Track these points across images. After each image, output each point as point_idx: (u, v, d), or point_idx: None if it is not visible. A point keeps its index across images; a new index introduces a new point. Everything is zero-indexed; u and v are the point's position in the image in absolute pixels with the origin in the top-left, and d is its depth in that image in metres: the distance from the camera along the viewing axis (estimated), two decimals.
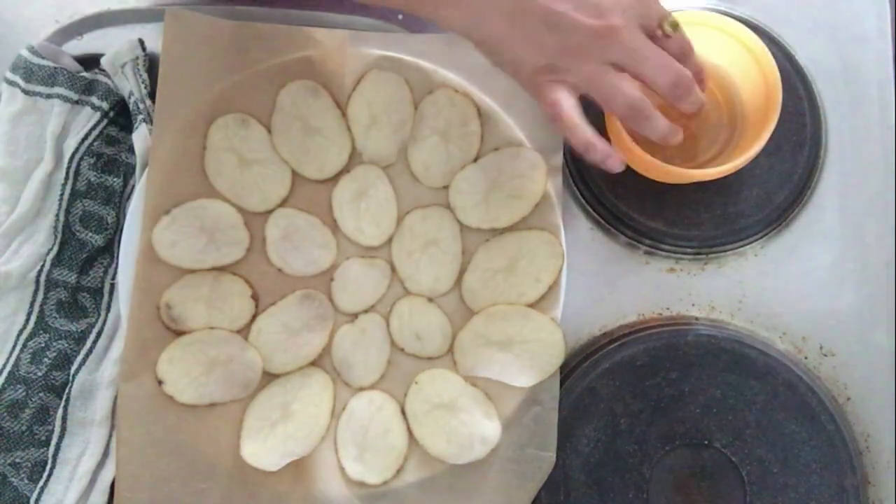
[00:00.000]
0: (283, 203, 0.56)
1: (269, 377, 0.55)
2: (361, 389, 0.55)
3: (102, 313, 0.56)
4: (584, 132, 0.47)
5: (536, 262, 0.55)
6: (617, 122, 0.52)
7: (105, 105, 0.57)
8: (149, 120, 0.56)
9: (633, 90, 0.46)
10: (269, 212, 0.56)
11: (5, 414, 0.53)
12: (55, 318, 0.55)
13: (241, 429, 0.54)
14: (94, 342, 0.55)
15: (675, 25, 0.47)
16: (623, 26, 0.45)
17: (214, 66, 0.56)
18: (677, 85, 0.46)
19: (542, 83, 0.47)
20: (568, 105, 0.46)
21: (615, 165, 0.48)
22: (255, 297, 0.55)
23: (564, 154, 0.57)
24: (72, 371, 0.54)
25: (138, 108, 0.56)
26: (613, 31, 0.45)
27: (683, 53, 0.48)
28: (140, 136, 0.56)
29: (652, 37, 0.47)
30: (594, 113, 0.57)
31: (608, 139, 0.57)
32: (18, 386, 0.54)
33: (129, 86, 0.57)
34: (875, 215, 0.58)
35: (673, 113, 0.50)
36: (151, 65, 0.58)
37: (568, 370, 0.56)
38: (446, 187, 0.56)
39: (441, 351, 0.55)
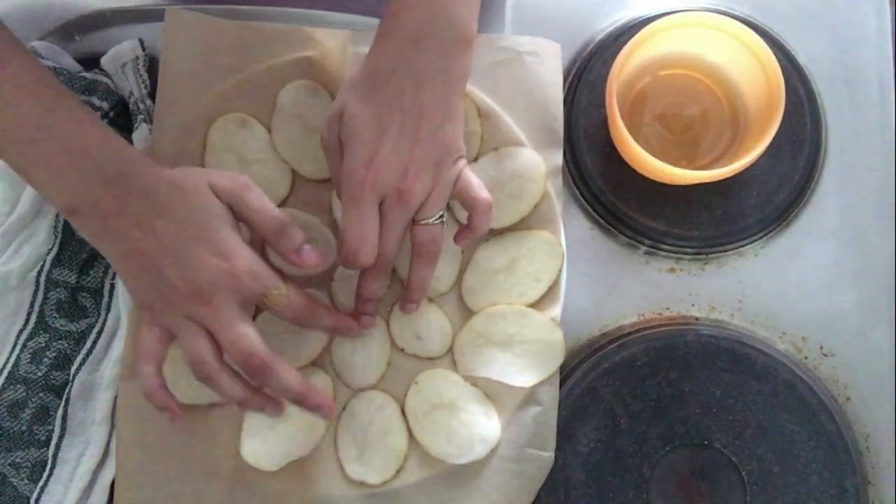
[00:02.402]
0: (283, 203, 0.56)
1: None
2: (361, 390, 0.55)
3: (102, 313, 0.56)
4: (149, 383, 0.48)
5: (536, 262, 0.55)
6: (619, 123, 0.52)
7: (105, 105, 0.57)
8: (149, 120, 0.56)
9: (202, 352, 0.47)
10: None
11: (5, 414, 0.53)
12: (55, 318, 0.55)
13: (241, 429, 0.54)
14: (94, 342, 0.55)
15: (277, 300, 0.48)
16: (211, 299, 0.46)
17: (214, 66, 0.56)
18: (245, 363, 0.47)
19: (142, 320, 0.49)
20: (148, 350, 0.48)
21: (172, 418, 0.49)
22: None
23: (564, 154, 0.57)
24: (72, 371, 0.54)
25: (138, 108, 0.56)
26: (200, 300, 0.46)
27: (302, 318, 0.50)
28: (140, 136, 0.56)
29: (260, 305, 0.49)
30: (595, 116, 0.58)
31: (611, 141, 0.57)
32: (18, 386, 0.54)
33: (129, 86, 0.57)
34: (875, 215, 0.58)
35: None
36: (151, 65, 0.58)
37: (568, 370, 0.56)
38: None
39: (441, 351, 0.55)
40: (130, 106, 0.57)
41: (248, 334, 0.47)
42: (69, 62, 0.58)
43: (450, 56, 0.49)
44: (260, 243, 0.52)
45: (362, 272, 0.52)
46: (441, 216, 0.50)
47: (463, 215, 0.56)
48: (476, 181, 0.51)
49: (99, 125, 0.48)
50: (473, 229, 0.52)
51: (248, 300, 0.48)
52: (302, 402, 0.48)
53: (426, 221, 0.50)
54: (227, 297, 0.46)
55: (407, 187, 0.48)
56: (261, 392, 0.49)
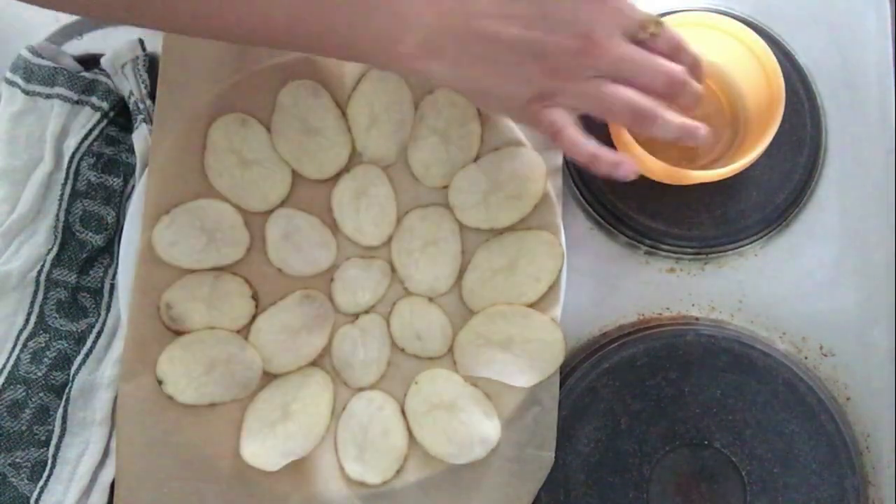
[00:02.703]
0: (283, 203, 0.56)
1: (269, 377, 0.55)
2: (361, 390, 0.55)
3: (102, 313, 0.56)
4: (587, 147, 0.46)
5: (536, 262, 0.55)
6: (620, 126, 0.52)
7: (105, 105, 0.57)
8: (149, 120, 0.56)
9: (631, 95, 0.45)
10: (269, 212, 0.56)
11: (5, 414, 0.53)
12: (55, 318, 0.55)
13: (241, 429, 0.54)
14: (94, 342, 0.55)
15: (658, 24, 0.45)
16: (603, 38, 0.44)
17: (214, 66, 0.56)
18: (671, 84, 0.45)
19: (537, 111, 0.46)
20: (565, 124, 0.46)
21: (626, 173, 0.46)
22: (255, 297, 0.55)
23: (564, 154, 0.57)
24: (72, 371, 0.54)
25: (138, 108, 0.56)
26: (595, 46, 0.44)
27: (674, 49, 0.47)
28: (140, 136, 0.56)
29: (638, 41, 0.46)
30: (595, 118, 0.58)
31: (611, 141, 0.57)
32: (18, 386, 0.54)
33: (129, 86, 0.57)
34: (875, 215, 0.58)
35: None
36: (151, 65, 0.58)
37: (568, 370, 0.56)
38: (446, 187, 0.56)
39: (441, 351, 0.55)
40: (130, 106, 0.57)
41: (655, 59, 0.44)
42: (69, 62, 0.58)
43: None
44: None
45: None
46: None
47: (463, 215, 0.56)
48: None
49: None
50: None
51: (629, 34, 0.45)
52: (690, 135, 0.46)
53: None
54: (613, 34, 0.44)
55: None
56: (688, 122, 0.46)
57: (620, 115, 0.45)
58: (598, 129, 0.58)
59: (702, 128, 0.47)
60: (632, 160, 0.46)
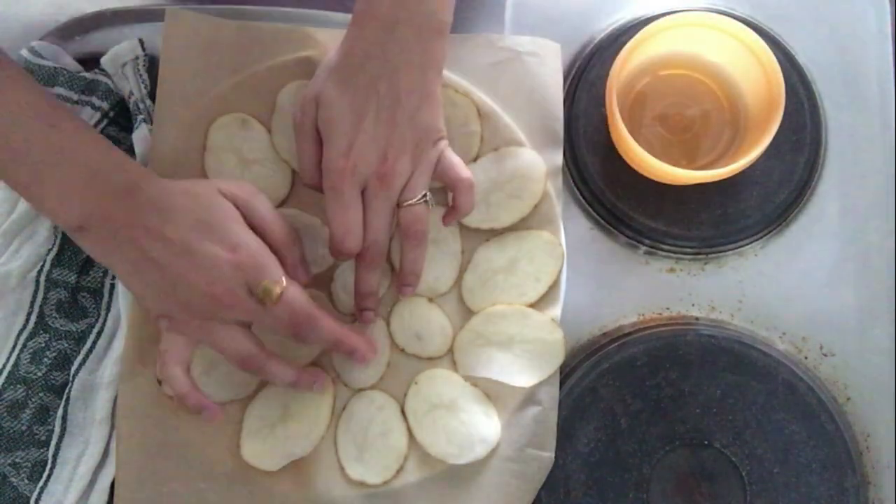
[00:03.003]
0: (283, 203, 0.56)
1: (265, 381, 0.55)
2: (361, 390, 0.55)
3: (102, 313, 0.56)
4: (181, 385, 0.50)
5: (536, 262, 0.55)
6: (619, 123, 0.52)
7: (105, 105, 0.57)
8: (149, 120, 0.56)
9: (244, 346, 0.48)
10: None
11: (5, 414, 0.53)
12: (55, 318, 0.55)
13: (241, 429, 0.54)
14: (94, 342, 0.55)
15: (267, 293, 0.47)
16: (225, 293, 0.46)
17: (214, 66, 0.56)
18: (296, 330, 0.49)
19: (162, 328, 0.49)
20: (174, 354, 0.49)
21: (211, 417, 0.50)
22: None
23: (564, 154, 0.57)
24: (72, 371, 0.54)
25: (138, 108, 0.56)
26: (219, 298, 0.47)
27: (297, 323, 0.48)
28: (140, 136, 0.56)
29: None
30: (595, 116, 0.58)
31: (611, 141, 0.57)
32: (18, 386, 0.54)
33: (129, 86, 0.57)
34: (875, 215, 0.58)
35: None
36: (151, 65, 0.58)
37: (568, 370, 0.56)
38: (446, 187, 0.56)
39: (441, 351, 0.55)
40: (130, 106, 0.57)
41: (286, 302, 0.47)
42: (69, 62, 0.58)
43: (424, 42, 0.49)
44: None
45: (357, 267, 0.52)
46: (424, 196, 0.51)
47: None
48: (457, 160, 0.52)
49: (105, 142, 0.49)
50: (458, 209, 0.52)
51: (253, 291, 0.47)
52: (341, 346, 0.50)
53: (409, 203, 0.50)
54: (236, 290, 0.47)
55: (387, 171, 0.49)
56: (306, 371, 0.51)
57: (231, 358, 0.49)
58: (597, 127, 0.58)
59: (321, 377, 0.53)
60: (216, 411, 0.51)
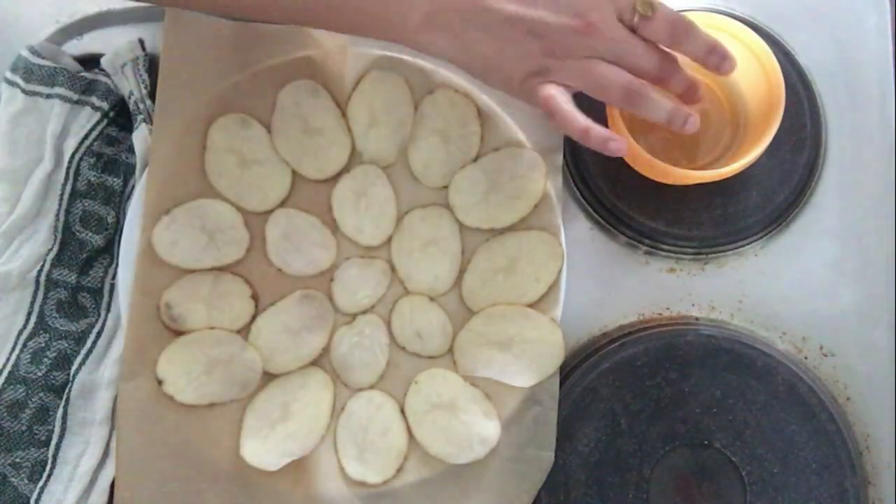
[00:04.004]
0: (283, 203, 0.56)
1: (268, 377, 0.55)
2: (361, 390, 0.55)
3: (102, 313, 0.56)
4: (580, 119, 0.47)
5: (536, 262, 0.55)
6: (620, 123, 0.52)
7: (105, 105, 0.57)
8: (149, 120, 0.56)
9: (624, 75, 0.47)
10: (269, 212, 0.56)
11: (5, 414, 0.53)
12: (55, 318, 0.55)
13: (241, 429, 0.54)
14: (94, 342, 0.55)
15: (649, 6, 0.47)
16: (599, 21, 0.46)
17: (214, 66, 0.56)
18: (661, 67, 0.48)
19: (534, 87, 0.48)
20: (561, 98, 0.47)
21: (617, 148, 0.47)
22: (255, 297, 0.55)
23: (564, 154, 0.57)
24: (72, 371, 0.54)
25: (138, 108, 0.56)
26: (591, 27, 0.46)
27: (675, 30, 0.47)
28: (140, 136, 0.56)
29: (633, 26, 0.47)
30: (595, 118, 0.58)
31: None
32: (18, 386, 0.54)
33: (129, 86, 0.57)
34: (875, 215, 0.58)
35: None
36: (151, 65, 0.58)
37: (568, 370, 0.56)
38: (446, 187, 0.56)
39: (442, 350, 0.55)
40: (130, 106, 0.57)
41: (645, 44, 0.47)
42: (69, 62, 0.58)
43: None
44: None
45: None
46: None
47: (463, 215, 0.56)
48: None
49: None
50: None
51: (625, 18, 0.46)
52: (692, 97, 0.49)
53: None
54: (609, 17, 0.46)
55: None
56: (681, 106, 0.48)
57: (613, 94, 0.47)
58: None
59: (693, 115, 0.48)
60: (622, 138, 0.47)
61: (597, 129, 0.47)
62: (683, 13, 0.50)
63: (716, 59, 0.48)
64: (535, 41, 0.46)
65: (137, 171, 0.56)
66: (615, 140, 0.47)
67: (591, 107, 0.58)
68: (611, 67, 0.47)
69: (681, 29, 0.48)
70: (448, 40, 0.47)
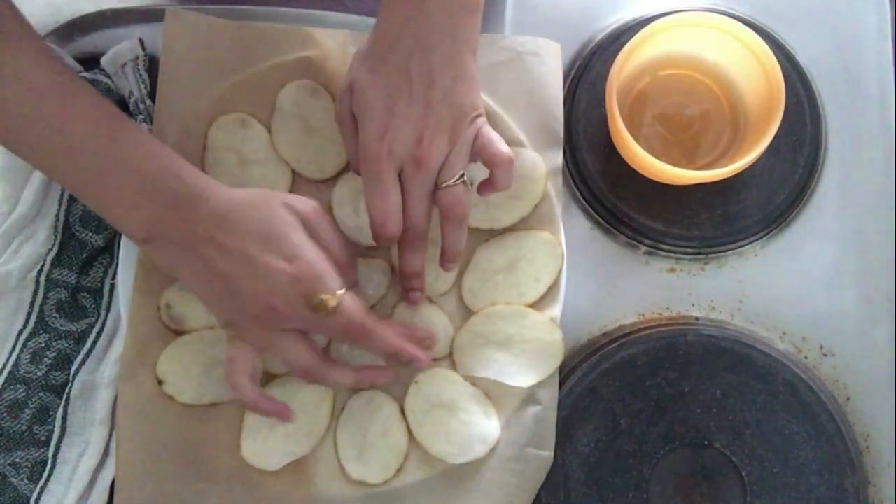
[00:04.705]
0: None
1: (268, 377, 0.55)
2: (361, 390, 0.55)
3: (102, 313, 0.56)
4: (249, 392, 0.50)
5: (536, 262, 0.55)
6: (619, 123, 0.52)
7: None
8: (149, 120, 0.56)
9: (304, 357, 0.49)
10: None
11: (5, 414, 0.53)
12: (55, 318, 0.55)
13: (241, 429, 0.54)
14: (94, 342, 0.55)
15: (322, 307, 0.47)
16: (284, 305, 0.47)
17: (214, 66, 0.56)
18: (352, 340, 0.51)
19: (229, 336, 0.50)
20: (241, 363, 0.49)
21: (283, 419, 0.51)
22: None
23: (564, 154, 0.57)
24: (72, 371, 0.54)
25: (138, 108, 0.56)
26: (275, 311, 0.47)
27: (352, 334, 0.49)
28: None
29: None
30: (595, 116, 0.58)
31: (611, 141, 0.57)
32: (18, 386, 0.54)
33: (129, 86, 0.57)
34: (875, 215, 0.58)
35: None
36: (151, 65, 0.58)
37: (568, 370, 0.56)
38: None
39: (444, 352, 0.55)
40: (130, 106, 0.57)
41: (342, 314, 0.48)
42: (69, 62, 0.58)
43: (455, 19, 0.48)
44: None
45: (400, 250, 0.52)
46: (462, 176, 0.49)
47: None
48: (496, 136, 0.50)
49: (167, 152, 0.48)
50: (495, 184, 0.51)
51: (308, 302, 0.48)
52: (399, 357, 0.51)
53: (447, 184, 0.49)
54: (294, 302, 0.47)
55: (422, 153, 0.48)
56: (366, 369, 0.52)
57: (295, 370, 0.50)
58: (597, 127, 0.58)
59: (385, 371, 0.53)
60: (288, 412, 0.51)
61: (262, 404, 0.50)
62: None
63: (394, 360, 0.51)
64: (233, 300, 0.48)
65: None
66: (281, 414, 0.51)
67: (593, 106, 0.58)
68: (295, 344, 0.49)
69: (355, 332, 0.49)
70: (164, 262, 0.49)
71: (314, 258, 0.47)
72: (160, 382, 0.53)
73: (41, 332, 0.55)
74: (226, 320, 0.50)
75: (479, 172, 0.53)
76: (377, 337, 0.50)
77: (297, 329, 0.49)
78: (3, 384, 0.54)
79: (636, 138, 0.52)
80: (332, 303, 0.47)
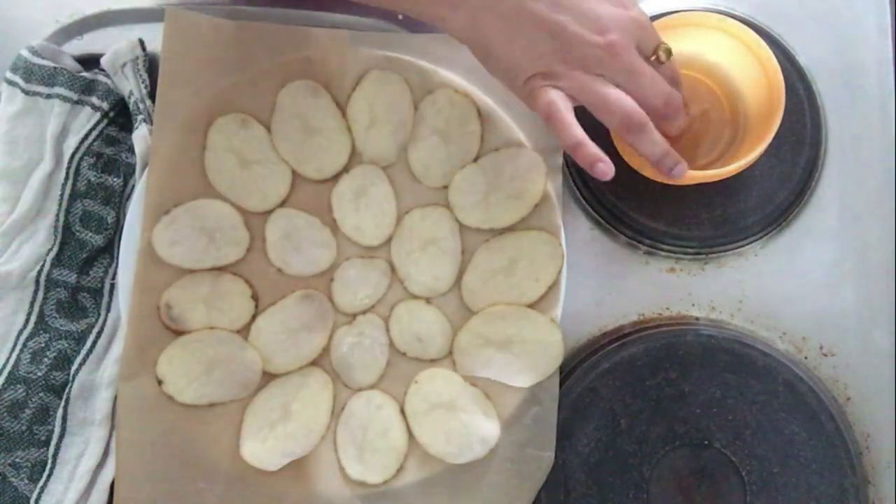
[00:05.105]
0: (283, 203, 0.56)
1: (268, 377, 0.55)
2: (361, 390, 0.55)
3: (102, 313, 0.56)
4: (576, 132, 0.47)
5: (536, 262, 0.55)
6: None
7: (105, 105, 0.57)
8: (149, 120, 0.56)
9: (628, 102, 0.47)
10: (269, 212, 0.56)
11: (5, 414, 0.53)
12: (55, 318, 0.55)
13: (241, 429, 0.54)
14: (94, 342, 0.55)
15: (669, 53, 0.48)
16: (622, 44, 0.46)
17: (214, 66, 0.56)
18: (668, 104, 0.48)
19: (538, 87, 0.48)
20: (563, 105, 0.47)
21: (602, 171, 0.47)
22: (255, 297, 0.55)
23: (564, 154, 0.57)
24: (72, 371, 0.54)
25: (138, 108, 0.56)
26: (613, 48, 0.46)
27: (673, 81, 0.50)
28: (140, 136, 0.56)
29: (645, 59, 0.48)
30: (595, 117, 0.58)
31: (611, 141, 0.57)
32: (18, 386, 0.54)
33: (129, 86, 0.57)
34: (875, 215, 0.58)
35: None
36: (151, 65, 0.58)
37: (568, 370, 0.56)
38: (446, 187, 0.56)
39: (443, 352, 0.55)
40: (130, 106, 0.57)
41: (661, 77, 0.47)
42: (69, 62, 0.58)
43: None
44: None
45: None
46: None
47: (463, 215, 0.56)
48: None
49: None
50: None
51: (642, 51, 0.47)
52: (670, 165, 0.49)
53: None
54: (630, 44, 0.46)
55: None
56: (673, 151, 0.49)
57: (613, 117, 0.47)
58: (597, 127, 0.58)
59: (682, 163, 0.49)
60: (609, 162, 0.47)
61: (589, 146, 0.47)
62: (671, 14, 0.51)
63: (670, 112, 0.49)
64: (550, 43, 0.46)
65: (137, 171, 0.56)
66: (603, 162, 0.47)
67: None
68: (617, 91, 0.47)
69: (676, 80, 0.50)
70: (462, 17, 0.47)
71: (641, 9, 0.48)
72: (160, 382, 0.53)
73: (41, 332, 0.55)
74: (535, 69, 0.47)
75: (486, 176, 0.53)
76: (677, 96, 0.49)
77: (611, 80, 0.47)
78: (3, 384, 0.54)
79: None
80: (671, 50, 0.48)
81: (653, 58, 0.48)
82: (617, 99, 0.46)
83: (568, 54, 0.46)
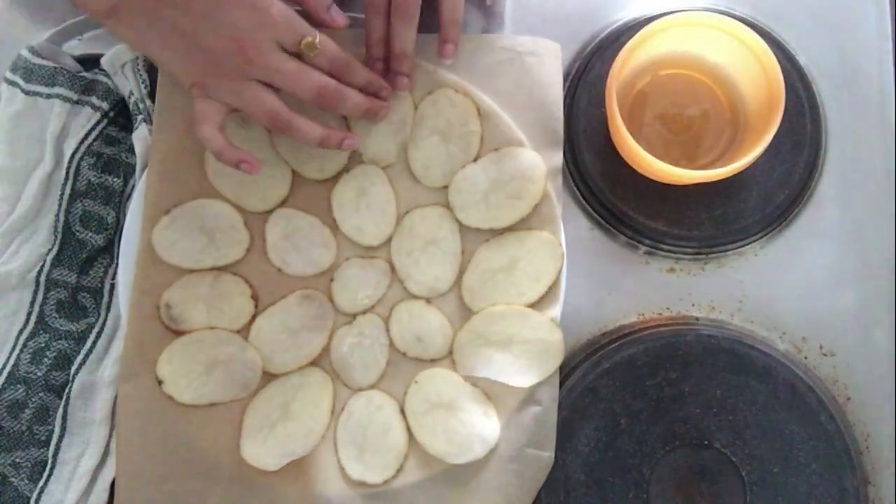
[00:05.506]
0: (283, 203, 0.56)
1: (268, 377, 0.55)
2: (361, 390, 0.55)
3: (102, 313, 0.56)
4: (217, 143, 0.51)
5: (536, 262, 0.55)
6: (619, 123, 0.52)
7: (105, 105, 0.57)
8: (149, 120, 0.56)
9: (272, 102, 0.50)
10: (269, 212, 0.56)
11: (5, 414, 0.53)
12: (55, 318, 0.55)
13: (241, 429, 0.54)
14: (94, 342, 0.55)
15: (311, 48, 0.50)
16: (255, 48, 0.48)
17: None
18: (321, 96, 0.51)
19: (194, 97, 0.51)
20: (209, 115, 0.51)
21: (250, 169, 0.51)
22: (254, 297, 0.55)
23: (564, 154, 0.57)
24: (72, 371, 0.54)
25: (138, 108, 0.56)
26: (246, 53, 0.48)
27: (337, 67, 0.51)
28: (140, 136, 0.56)
29: (298, 53, 0.50)
30: (595, 116, 0.58)
31: (611, 141, 0.57)
32: (18, 386, 0.54)
33: (129, 86, 0.57)
34: (875, 215, 0.58)
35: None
36: (151, 65, 0.58)
37: (568, 370, 0.56)
38: (446, 187, 0.56)
39: (442, 353, 0.55)
40: (130, 106, 0.57)
41: (308, 69, 0.49)
42: (69, 62, 0.58)
43: None
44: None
45: (392, 22, 0.52)
46: None
47: (463, 215, 0.56)
48: None
49: None
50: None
51: (287, 48, 0.49)
52: (372, 114, 0.53)
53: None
54: (269, 44, 0.48)
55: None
56: (334, 129, 0.53)
57: (258, 118, 0.51)
58: (597, 127, 0.58)
59: (350, 137, 0.53)
60: (254, 161, 0.51)
61: (228, 153, 0.51)
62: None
63: (373, 89, 0.53)
64: (198, 55, 0.49)
65: (137, 171, 0.56)
66: (249, 163, 0.51)
67: (593, 106, 0.58)
68: (262, 91, 0.50)
69: (340, 65, 0.51)
70: (129, 33, 0.50)
71: (282, 5, 0.49)
72: (160, 382, 0.53)
73: (41, 332, 0.55)
74: (191, 80, 0.50)
75: (486, 176, 0.53)
76: (356, 69, 0.52)
77: (263, 81, 0.50)
78: (3, 384, 0.54)
79: (636, 138, 0.52)
80: (316, 42, 0.49)
81: (301, 52, 0.50)
82: (258, 102, 0.50)
83: (216, 65, 0.49)
